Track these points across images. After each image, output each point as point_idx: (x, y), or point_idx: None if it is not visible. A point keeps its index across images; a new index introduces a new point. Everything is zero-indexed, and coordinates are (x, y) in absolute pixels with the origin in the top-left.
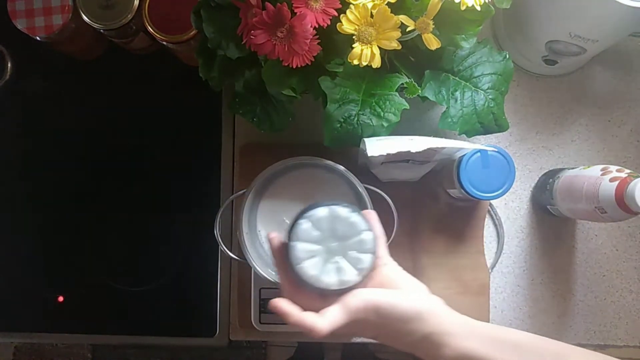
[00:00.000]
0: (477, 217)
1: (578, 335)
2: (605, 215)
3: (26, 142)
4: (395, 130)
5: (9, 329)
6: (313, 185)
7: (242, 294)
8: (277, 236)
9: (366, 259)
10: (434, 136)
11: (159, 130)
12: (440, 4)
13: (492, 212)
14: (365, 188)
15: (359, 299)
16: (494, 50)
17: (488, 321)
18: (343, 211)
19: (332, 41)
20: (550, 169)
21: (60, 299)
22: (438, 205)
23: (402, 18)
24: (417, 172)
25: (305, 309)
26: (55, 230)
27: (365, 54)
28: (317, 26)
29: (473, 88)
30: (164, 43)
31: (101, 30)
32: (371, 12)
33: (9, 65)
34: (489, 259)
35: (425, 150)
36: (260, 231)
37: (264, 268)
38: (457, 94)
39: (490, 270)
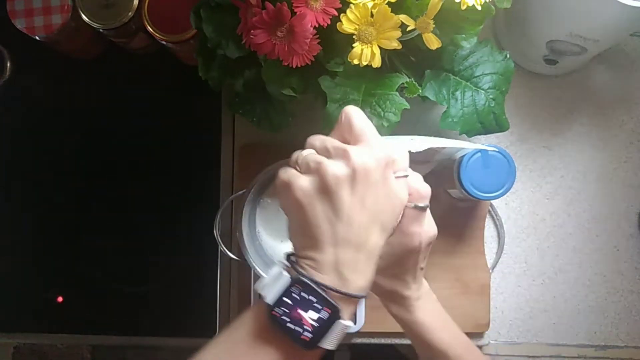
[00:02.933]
0: (477, 217)
1: (579, 336)
2: None
3: (25, 142)
4: (396, 130)
5: (8, 330)
6: None
7: (242, 294)
8: None
9: None
10: (434, 136)
11: (158, 130)
12: (440, 4)
13: (492, 212)
14: None
15: None
16: (495, 49)
17: (489, 321)
18: None
19: (332, 41)
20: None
21: (60, 299)
22: (438, 206)
23: (403, 18)
24: (417, 172)
25: None
26: (55, 231)
27: (365, 54)
28: (317, 26)
29: (474, 88)
30: (164, 42)
31: (100, 30)
32: (371, 12)
33: (8, 65)
34: (490, 259)
35: (425, 150)
36: (260, 231)
37: (264, 268)
38: (458, 93)
39: (490, 271)
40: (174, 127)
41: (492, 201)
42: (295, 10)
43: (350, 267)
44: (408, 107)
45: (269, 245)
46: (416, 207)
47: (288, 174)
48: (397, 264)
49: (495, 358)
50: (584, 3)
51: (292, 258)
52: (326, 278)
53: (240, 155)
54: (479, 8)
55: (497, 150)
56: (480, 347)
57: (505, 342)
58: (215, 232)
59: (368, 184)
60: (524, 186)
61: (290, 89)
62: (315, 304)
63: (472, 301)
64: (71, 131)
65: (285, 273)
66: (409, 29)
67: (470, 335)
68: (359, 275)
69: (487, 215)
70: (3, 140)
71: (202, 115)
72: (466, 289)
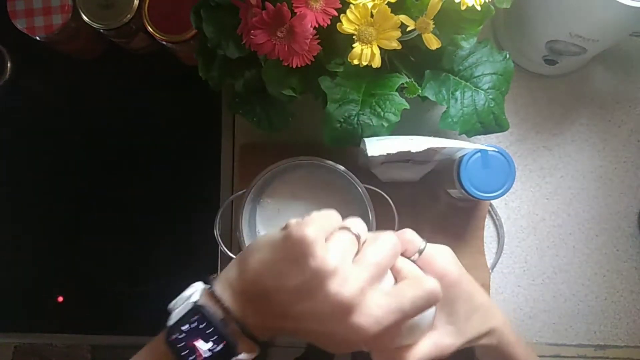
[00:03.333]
0: (477, 217)
1: (579, 336)
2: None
3: (25, 142)
4: (396, 130)
5: (8, 329)
6: (313, 185)
7: None
8: None
9: None
10: (434, 136)
11: (158, 130)
12: (440, 4)
13: (492, 212)
14: (366, 188)
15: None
16: (495, 50)
17: None
18: None
19: (332, 41)
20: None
21: (60, 299)
22: (438, 206)
23: (402, 18)
24: (417, 172)
25: None
26: (55, 231)
27: (365, 54)
28: (317, 26)
29: (473, 88)
30: (164, 42)
31: (101, 30)
32: (371, 12)
33: (9, 65)
34: (489, 259)
35: (425, 150)
36: (260, 231)
37: None
38: (458, 93)
39: (490, 271)
40: (174, 127)
41: (492, 201)
42: (295, 11)
43: (261, 304)
44: (408, 107)
45: None
46: (419, 251)
47: (310, 224)
48: (453, 311)
49: None
50: (584, 3)
51: (212, 279)
52: (234, 305)
53: (240, 155)
54: (479, 8)
55: (497, 150)
56: None
57: None
58: (215, 232)
59: (286, 253)
60: (524, 186)
61: (290, 89)
62: (212, 337)
63: None
64: (71, 131)
65: (195, 296)
66: (408, 29)
67: None
68: (267, 315)
69: (487, 215)
70: (3, 140)
71: (202, 116)
72: None
